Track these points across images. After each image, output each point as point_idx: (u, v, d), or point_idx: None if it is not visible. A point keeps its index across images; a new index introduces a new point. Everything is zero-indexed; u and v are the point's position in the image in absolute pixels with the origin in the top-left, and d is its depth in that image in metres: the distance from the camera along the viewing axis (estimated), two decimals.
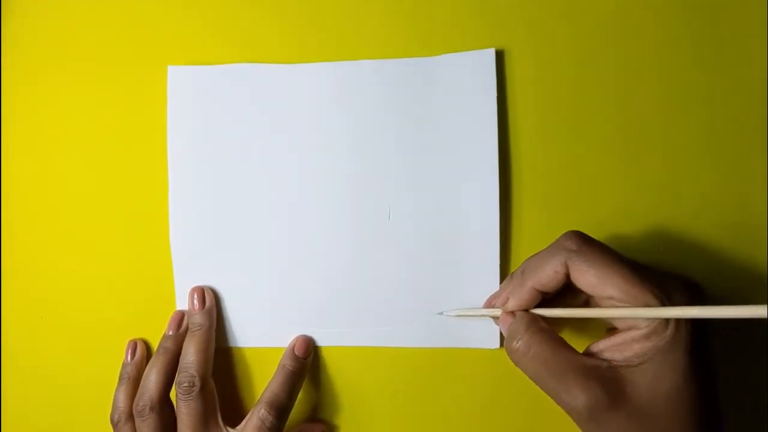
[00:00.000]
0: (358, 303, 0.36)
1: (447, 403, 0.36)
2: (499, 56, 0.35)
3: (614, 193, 0.35)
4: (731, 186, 0.34)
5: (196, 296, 0.36)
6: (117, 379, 0.36)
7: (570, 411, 0.26)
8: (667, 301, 0.25)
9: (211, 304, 0.36)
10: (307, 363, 0.35)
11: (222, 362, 0.37)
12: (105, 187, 0.37)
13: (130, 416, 0.34)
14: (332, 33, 0.36)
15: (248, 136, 0.36)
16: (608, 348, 0.26)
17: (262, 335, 0.36)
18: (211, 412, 0.33)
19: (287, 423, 0.36)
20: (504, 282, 0.32)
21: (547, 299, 0.29)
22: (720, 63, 0.34)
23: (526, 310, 0.29)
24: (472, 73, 0.34)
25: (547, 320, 0.29)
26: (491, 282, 0.34)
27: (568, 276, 0.27)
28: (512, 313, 0.29)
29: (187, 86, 0.36)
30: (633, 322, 0.26)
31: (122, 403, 0.34)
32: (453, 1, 0.35)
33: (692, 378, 0.25)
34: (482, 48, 0.34)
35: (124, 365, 0.36)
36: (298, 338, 0.36)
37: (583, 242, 0.27)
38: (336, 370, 0.36)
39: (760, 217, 0.34)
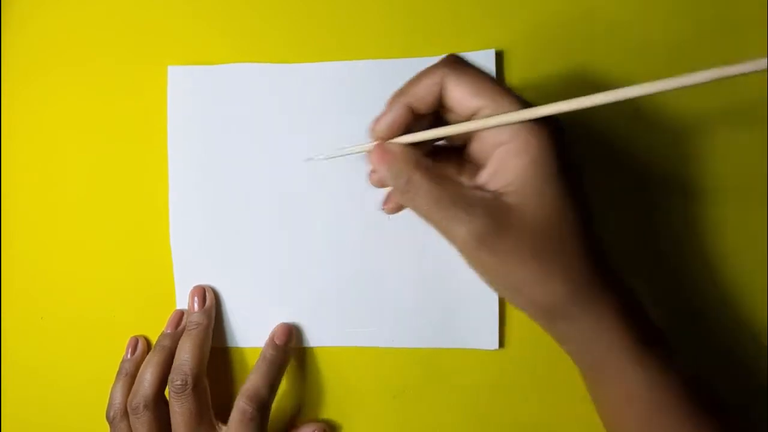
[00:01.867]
0: (359, 303, 0.36)
1: (447, 403, 0.36)
2: (499, 57, 0.35)
3: (614, 193, 0.35)
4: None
5: (196, 295, 0.36)
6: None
7: (460, 242, 0.25)
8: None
9: (211, 303, 0.36)
10: (287, 352, 0.35)
11: (222, 362, 0.37)
12: (105, 187, 0.37)
13: (126, 413, 0.34)
14: (332, 33, 0.36)
15: (248, 136, 0.36)
16: (488, 177, 0.25)
17: (262, 335, 0.36)
18: (204, 411, 0.33)
19: (288, 422, 0.36)
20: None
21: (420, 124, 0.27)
22: (722, 60, 0.34)
23: (406, 146, 0.27)
24: None
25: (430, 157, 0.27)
26: None
27: (440, 94, 0.26)
28: (382, 146, 0.27)
29: (187, 86, 0.36)
30: (496, 140, 0.25)
31: (119, 399, 0.34)
32: (453, 1, 0.35)
33: (573, 193, 0.25)
34: (482, 49, 0.34)
35: (123, 361, 0.36)
36: (277, 327, 0.36)
37: (460, 61, 0.26)
38: (336, 370, 0.36)
39: None
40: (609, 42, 0.35)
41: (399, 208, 0.31)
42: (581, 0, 0.35)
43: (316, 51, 0.36)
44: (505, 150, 0.25)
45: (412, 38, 0.35)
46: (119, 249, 0.37)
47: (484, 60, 0.34)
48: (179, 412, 0.33)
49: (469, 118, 0.26)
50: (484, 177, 0.26)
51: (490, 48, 0.34)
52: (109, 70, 0.37)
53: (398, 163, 0.26)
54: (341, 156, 0.31)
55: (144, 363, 0.34)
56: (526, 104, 0.25)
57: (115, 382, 0.35)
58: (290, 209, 0.36)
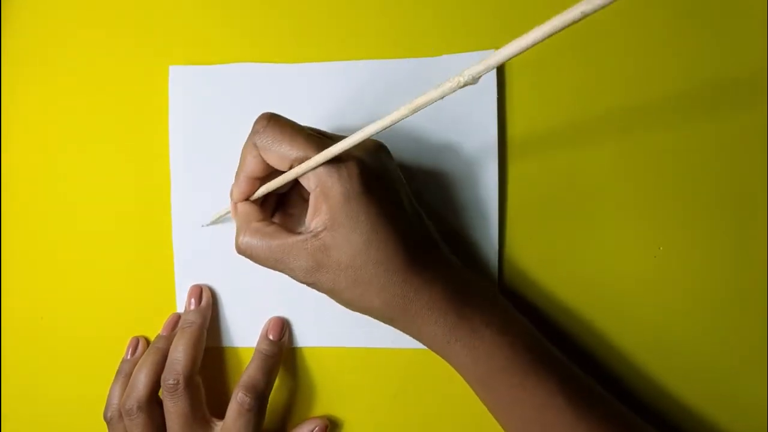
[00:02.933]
0: None
1: (447, 403, 0.36)
2: None
3: (614, 193, 0.35)
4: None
5: (193, 295, 0.36)
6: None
7: (298, 281, 0.30)
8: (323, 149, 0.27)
9: (207, 303, 0.36)
10: (282, 345, 0.36)
11: (222, 362, 0.37)
12: (106, 187, 0.37)
13: None
14: (332, 33, 0.36)
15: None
16: (309, 220, 0.29)
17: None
18: (198, 408, 0.33)
19: (288, 422, 0.36)
20: None
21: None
22: (719, 63, 0.34)
23: (244, 205, 0.31)
24: None
25: (267, 215, 0.31)
26: (490, 280, 0.34)
27: (264, 162, 0.29)
28: (234, 207, 0.31)
29: (188, 86, 0.36)
30: (310, 185, 0.28)
31: (116, 399, 0.34)
32: (453, 1, 0.35)
33: (378, 223, 0.28)
34: (483, 49, 0.35)
35: (122, 361, 0.36)
36: (270, 321, 0.36)
37: (268, 121, 0.29)
38: (337, 370, 0.36)
39: None
40: (609, 43, 0.35)
41: None
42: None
43: (317, 51, 0.36)
44: (314, 195, 0.28)
45: (412, 38, 0.35)
46: (120, 249, 0.37)
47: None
48: (173, 411, 0.33)
49: None
50: (307, 219, 0.29)
51: (489, 48, 0.34)
52: (111, 70, 0.37)
53: (237, 228, 0.31)
54: (219, 218, 0.35)
55: (138, 365, 0.34)
56: (324, 146, 0.27)
57: (113, 382, 0.35)
58: None
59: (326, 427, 0.36)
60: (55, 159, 0.37)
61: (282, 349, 0.36)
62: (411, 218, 0.30)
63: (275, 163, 0.29)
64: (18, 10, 0.38)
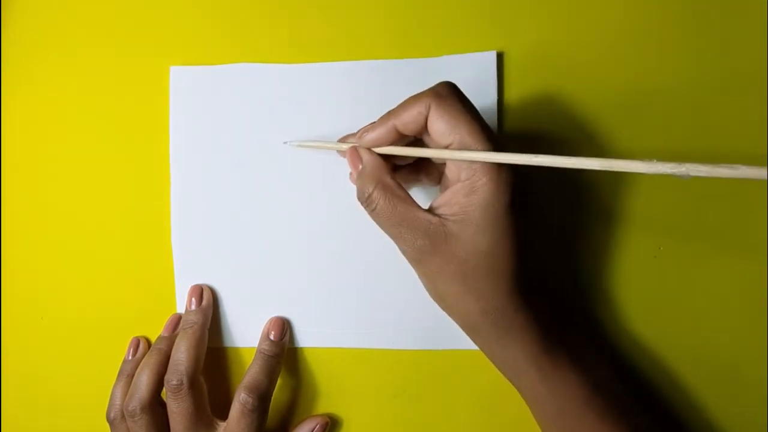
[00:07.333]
0: (359, 304, 0.36)
1: (447, 403, 0.36)
2: (500, 58, 0.35)
3: (614, 193, 0.35)
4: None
5: (193, 295, 0.36)
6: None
7: (403, 254, 0.30)
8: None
9: (208, 303, 0.36)
10: (283, 345, 0.36)
11: (224, 363, 0.37)
12: (107, 187, 0.37)
13: None
14: (333, 33, 0.36)
15: (250, 136, 0.36)
16: (442, 204, 0.28)
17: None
18: (201, 409, 0.33)
19: (288, 422, 0.36)
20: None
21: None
22: (723, 60, 0.34)
23: (376, 156, 0.30)
24: (474, 74, 0.35)
25: (396, 173, 0.31)
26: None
27: (424, 123, 0.28)
28: (355, 150, 0.30)
29: (188, 86, 0.36)
30: (458, 175, 0.28)
31: (119, 399, 0.34)
32: (455, 2, 0.35)
33: (508, 236, 0.28)
34: (484, 50, 0.35)
35: (124, 362, 0.36)
36: (271, 321, 0.36)
37: (453, 93, 0.28)
38: (337, 371, 0.36)
39: None
40: (609, 44, 0.35)
41: None
42: (583, 1, 0.35)
43: (317, 51, 0.36)
44: (460, 186, 0.28)
45: (412, 38, 0.35)
46: (120, 249, 0.37)
47: (485, 62, 0.34)
48: (177, 411, 0.33)
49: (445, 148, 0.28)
50: (438, 201, 0.29)
51: (492, 50, 0.35)
52: (112, 70, 0.37)
53: (364, 176, 0.30)
54: (314, 147, 0.34)
55: (140, 366, 0.34)
56: (495, 146, 0.27)
57: (116, 382, 0.35)
58: (291, 209, 0.36)
59: (327, 424, 0.36)
60: (55, 159, 0.37)
61: (284, 349, 0.36)
62: (526, 243, 0.29)
63: (437, 132, 0.28)
64: (18, 10, 0.38)
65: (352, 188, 0.35)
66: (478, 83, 0.34)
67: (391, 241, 0.35)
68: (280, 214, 0.36)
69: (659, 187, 0.34)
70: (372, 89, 0.35)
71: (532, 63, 0.35)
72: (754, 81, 0.34)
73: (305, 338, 0.36)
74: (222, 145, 0.36)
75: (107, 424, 0.34)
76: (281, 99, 0.36)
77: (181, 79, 0.36)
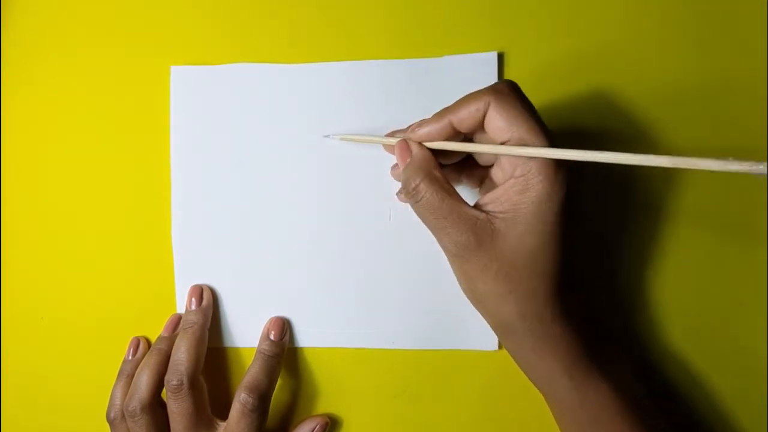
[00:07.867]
0: (359, 304, 0.36)
1: (447, 403, 0.36)
2: (501, 59, 0.35)
3: (614, 193, 0.35)
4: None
5: (193, 295, 0.36)
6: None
7: (444, 248, 0.29)
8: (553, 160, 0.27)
9: (208, 303, 0.36)
10: (283, 345, 0.35)
11: (224, 363, 0.37)
12: (107, 187, 0.37)
13: None
14: (334, 33, 0.36)
15: (250, 136, 0.36)
16: (491, 200, 0.28)
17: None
18: (201, 409, 0.33)
19: (288, 422, 0.36)
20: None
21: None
22: (721, 60, 0.34)
23: (426, 149, 0.29)
24: (475, 75, 0.35)
25: (441, 169, 0.30)
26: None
27: (481, 120, 0.28)
28: (405, 144, 0.30)
29: (189, 86, 0.36)
30: (511, 172, 0.27)
31: (119, 399, 0.34)
32: (457, 3, 0.35)
33: (556, 238, 0.27)
34: (485, 51, 0.35)
35: (124, 362, 0.36)
36: (271, 321, 0.36)
37: (513, 90, 0.28)
38: (337, 370, 0.36)
39: None
40: (609, 45, 0.35)
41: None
42: (584, 1, 0.35)
43: (317, 51, 0.36)
44: (513, 182, 0.27)
45: (413, 38, 0.35)
46: (120, 249, 0.37)
47: (486, 62, 0.34)
48: (177, 412, 0.33)
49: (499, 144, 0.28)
50: (487, 198, 0.28)
51: (492, 50, 0.35)
52: (112, 70, 0.37)
53: (412, 167, 0.29)
54: (359, 141, 0.34)
55: (140, 366, 0.34)
56: (553, 144, 0.26)
57: (116, 382, 0.35)
58: (292, 209, 0.36)
59: (327, 424, 0.36)
60: (56, 159, 0.37)
61: (284, 349, 0.36)
62: (568, 252, 0.29)
63: (494, 128, 0.27)
64: (18, 10, 0.38)
65: (353, 188, 0.36)
66: (479, 84, 0.34)
67: (392, 242, 0.35)
68: (281, 214, 0.36)
69: (659, 187, 0.34)
70: (372, 89, 0.35)
71: (533, 63, 0.35)
72: (754, 82, 0.34)
73: (305, 338, 0.36)
74: (222, 145, 0.36)
75: (107, 424, 0.34)
76: (281, 99, 0.36)
77: (182, 78, 0.36)
